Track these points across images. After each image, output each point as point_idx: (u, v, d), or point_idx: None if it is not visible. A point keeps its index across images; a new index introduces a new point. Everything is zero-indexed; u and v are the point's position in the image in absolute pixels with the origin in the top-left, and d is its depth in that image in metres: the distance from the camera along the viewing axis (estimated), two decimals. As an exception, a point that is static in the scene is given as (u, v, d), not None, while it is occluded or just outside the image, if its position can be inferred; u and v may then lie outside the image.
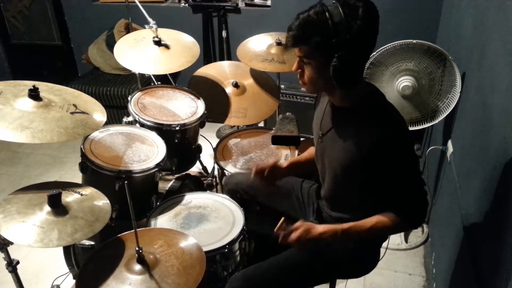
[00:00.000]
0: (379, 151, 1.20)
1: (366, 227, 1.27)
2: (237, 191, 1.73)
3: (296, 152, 2.02)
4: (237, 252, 1.61)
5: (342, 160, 1.30)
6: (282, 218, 1.71)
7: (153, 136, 1.94)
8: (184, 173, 2.28)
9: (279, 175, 1.57)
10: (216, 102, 2.30)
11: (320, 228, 1.29)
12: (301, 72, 1.25)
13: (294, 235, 1.28)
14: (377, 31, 1.16)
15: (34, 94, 1.38)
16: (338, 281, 1.72)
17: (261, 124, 2.71)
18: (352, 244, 1.44)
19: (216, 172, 2.29)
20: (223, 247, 1.51)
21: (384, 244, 1.58)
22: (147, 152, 1.85)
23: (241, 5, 3.42)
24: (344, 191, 1.39)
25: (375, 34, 1.16)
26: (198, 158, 2.32)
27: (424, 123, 2.09)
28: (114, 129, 1.93)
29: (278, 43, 2.29)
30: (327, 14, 1.11)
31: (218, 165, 1.99)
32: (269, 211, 1.60)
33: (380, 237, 1.51)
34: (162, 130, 1.98)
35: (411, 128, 2.13)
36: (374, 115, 1.23)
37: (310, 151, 1.65)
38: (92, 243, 1.76)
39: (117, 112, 3.35)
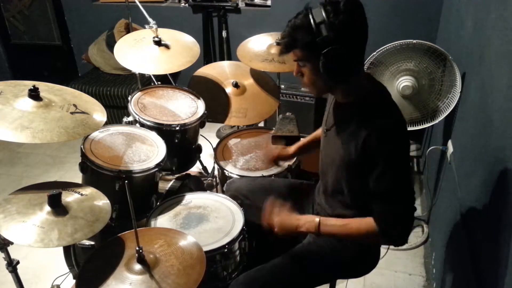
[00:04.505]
0: (368, 147, 1.20)
1: (342, 224, 1.28)
2: (237, 197, 1.74)
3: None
4: (237, 252, 1.61)
5: (341, 156, 1.31)
6: None
7: (153, 136, 1.94)
8: (184, 173, 2.28)
9: (287, 158, 1.79)
10: (216, 102, 2.30)
11: (298, 217, 1.34)
12: (301, 75, 1.28)
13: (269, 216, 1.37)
14: (363, 22, 1.18)
15: (34, 94, 1.38)
16: (338, 281, 1.72)
17: (261, 124, 2.71)
18: (340, 243, 1.44)
19: (216, 172, 2.29)
20: (223, 247, 1.51)
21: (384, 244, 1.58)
22: (147, 152, 1.85)
23: (241, 5, 3.42)
24: (342, 188, 1.39)
25: (362, 26, 1.17)
26: (198, 158, 2.32)
27: (424, 123, 2.09)
28: (114, 129, 1.93)
29: (278, 43, 2.28)
30: (310, 16, 1.15)
31: (218, 165, 1.99)
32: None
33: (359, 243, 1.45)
34: (162, 130, 1.98)
35: (411, 128, 2.13)
36: (370, 112, 1.23)
37: (315, 133, 1.68)
38: (92, 243, 1.76)
39: (117, 112, 3.35)
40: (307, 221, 1.32)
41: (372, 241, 1.32)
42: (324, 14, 1.13)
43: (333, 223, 1.30)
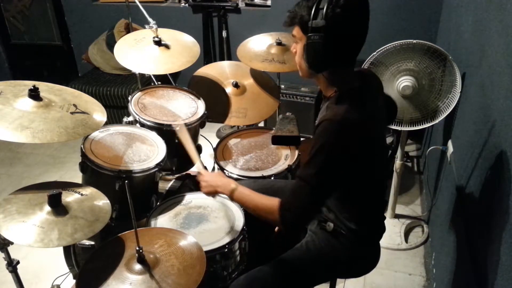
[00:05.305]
0: (314, 134, 1.23)
1: (251, 200, 1.35)
2: None
3: (296, 152, 2.02)
4: (237, 252, 1.61)
5: None
6: None
7: (153, 136, 1.94)
8: (184, 173, 2.28)
9: None
10: (216, 102, 2.30)
11: (220, 179, 1.46)
12: (295, 53, 1.31)
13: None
14: (359, 21, 1.18)
15: (34, 94, 1.38)
16: (338, 281, 1.72)
17: (261, 124, 2.71)
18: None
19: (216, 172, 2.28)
20: (223, 246, 1.51)
21: (384, 244, 1.58)
22: (147, 152, 1.85)
23: (241, 5, 3.42)
24: None
25: (356, 24, 1.18)
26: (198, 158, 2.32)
27: (424, 123, 2.09)
28: (114, 129, 1.93)
29: (278, 43, 2.29)
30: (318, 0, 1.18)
31: (218, 165, 1.99)
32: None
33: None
34: (162, 130, 1.98)
35: (411, 128, 2.13)
36: (334, 107, 1.23)
37: None
38: (92, 243, 1.76)
39: (117, 112, 3.35)
40: (224, 184, 1.44)
41: (270, 221, 1.33)
42: (327, 2, 1.15)
43: (246, 194, 1.38)
